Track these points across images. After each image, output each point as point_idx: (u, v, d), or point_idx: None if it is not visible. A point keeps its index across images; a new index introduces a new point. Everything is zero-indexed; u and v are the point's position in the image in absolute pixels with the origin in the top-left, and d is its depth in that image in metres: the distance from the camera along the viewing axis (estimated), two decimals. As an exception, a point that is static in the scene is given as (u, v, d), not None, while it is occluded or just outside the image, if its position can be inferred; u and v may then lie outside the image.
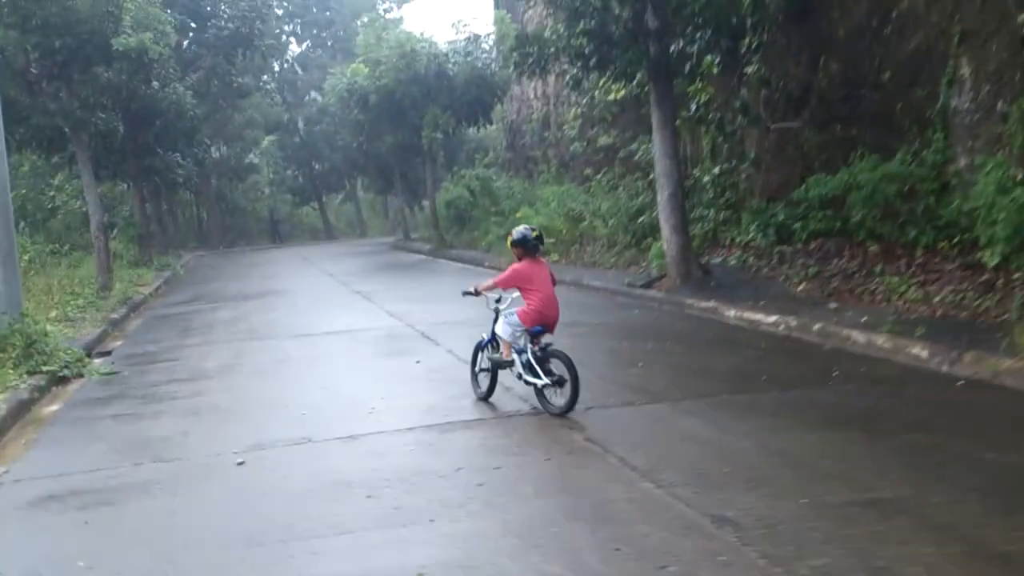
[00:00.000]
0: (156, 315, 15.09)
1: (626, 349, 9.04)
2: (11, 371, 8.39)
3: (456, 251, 27.21)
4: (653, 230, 17.67)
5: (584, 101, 21.53)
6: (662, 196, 13.67)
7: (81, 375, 9.12)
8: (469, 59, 28.26)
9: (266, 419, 6.73)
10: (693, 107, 15.71)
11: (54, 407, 7.85)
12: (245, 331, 12.07)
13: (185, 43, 29.58)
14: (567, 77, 15.39)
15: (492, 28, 27.85)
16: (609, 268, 17.56)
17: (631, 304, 12.97)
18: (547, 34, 13.32)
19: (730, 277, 13.39)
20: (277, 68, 51.01)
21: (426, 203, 47.79)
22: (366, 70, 28.47)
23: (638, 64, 12.66)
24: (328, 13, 54.89)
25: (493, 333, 7.22)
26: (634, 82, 15.18)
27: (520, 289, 6.99)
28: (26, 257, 16.51)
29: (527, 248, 7.03)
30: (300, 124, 50.88)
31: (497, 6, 32.64)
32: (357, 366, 8.98)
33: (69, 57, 15.21)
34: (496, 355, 7.09)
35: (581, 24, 12.41)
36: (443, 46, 29.31)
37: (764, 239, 14.71)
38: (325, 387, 7.90)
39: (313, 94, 52.29)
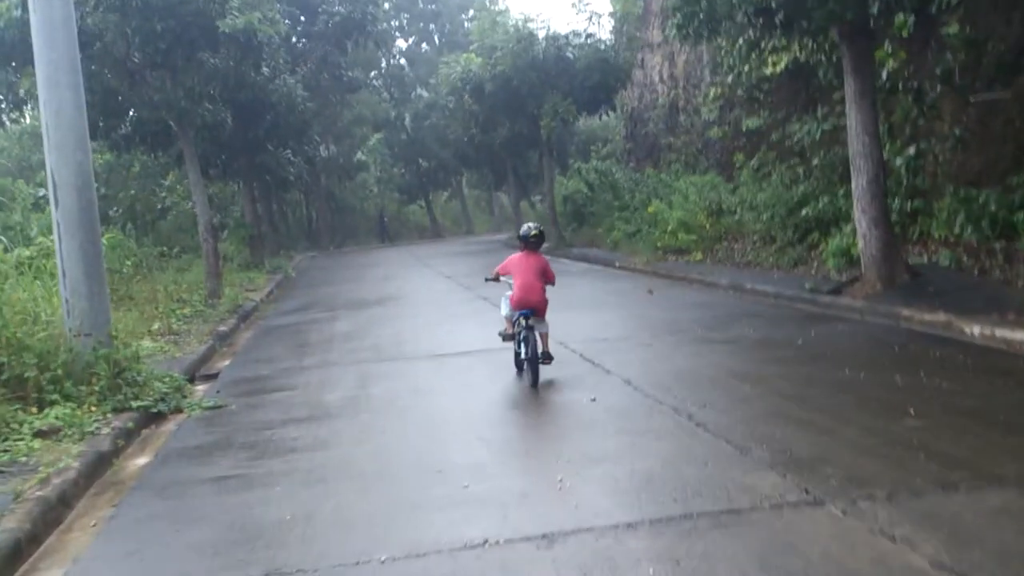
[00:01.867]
0: (268, 326, 13.61)
1: (865, 383, 6.80)
2: (94, 408, 6.81)
3: (578, 249, 25.19)
4: (820, 224, 15.25)
5: (729, 79, 19.11)
6: (859, 181, 11.26)
7: (180, 409, 7.50)
8: (590, 41, 26.15)
9: (416, 495, 4.84)
10: (884, 75, 13.24)
11: (142, 460, 6.18)
12: (369, 348, 10.33)
13: (294, 38, 28.53)
14: (737, 43, 13.05)
15: (613, 7, 25.58)
16: (769, 269, 15.20)
17: (820, 315, 10.64)
18: (717, -10, 11.10)
19: (947, 281, 10.89)
20: (384, 64, 50.10)
21: (536, 198, 46.32)
22: (479, 60, 26.74)
23: (836, 19, 10.31)
24: (434, 6, 53.72)
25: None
26: (812, 46, 12.86)
27: (510, 276, 8.17)
28: (129, 262, 15.32)
29: (526, 243, 8.20)
30: (407, 121, 49.84)
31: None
32: (515, 403, 7.03)
33: (172, 42, 13.86)
34: (502, 330, 8.28)
35: (763, -26, 10.16)
36: (561, 29, 27.38)
37: (975, 233, 12.15)
38: (483, 437, 5.97)
39: (420, 90, 51.26)
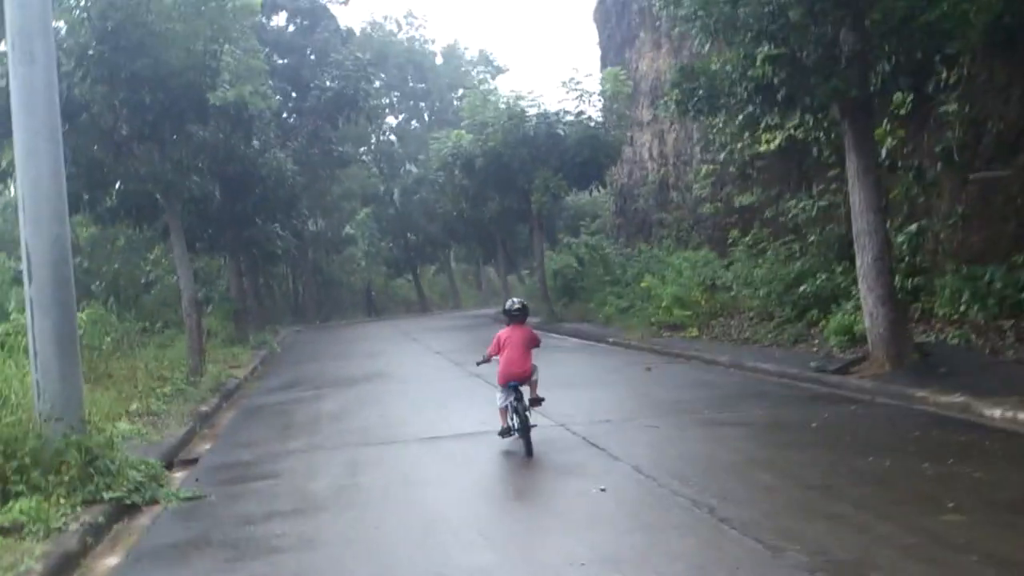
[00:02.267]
0: (252, 405, 13.05)
1: (893, 472, 6.35)
2: (63, 500, 6.25)
3: (569, 324, 24.80)
4: (819, 301, 14.99)
5: (722, 156, 19.11)
6: (864, 259, 11.00)
7: (156, 500, 6.94)
8: (580, 119, 26.28)
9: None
10: (883, 153, 13.14)
11: (112, 560, 5.62)
12: (357, 431, 9.81)
13: (285, 114, 28.57)
14: (735, 119, 12.92)
15: (603, 86, 25.81)
16: (769, 346, 14.85)
17: (829, 395, 10.22)
18: (715, 66, 11.00)
19: (958, 360, 10.55)
20: (374, 139, 50.47)
21: (525, 272, 46.14)
22: (469, 136, 26.82)
23: (839, 96, 10.18)
24: (424, 85, 54.47)
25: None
26: (810, 123, 12.77)
27: (501, 352, 8.27)
28: (108, 338, 14.79)
29: (510, 317, 8.52)
30: (396, 195, 49.98)
31: (604, 64, 30.82)
32: (519, 493, 6.52)
33: (161, 114, 13.63)
34: (501, 428, 8.12)
35: (765, 49, 10.05)
36: (552, 107, 27.51)
37: (982, 312, 11.89)
38: (486, 535, 5.46)
39: (409, 166, 51.54)
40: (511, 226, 36.04)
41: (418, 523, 5.83)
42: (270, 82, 21.34)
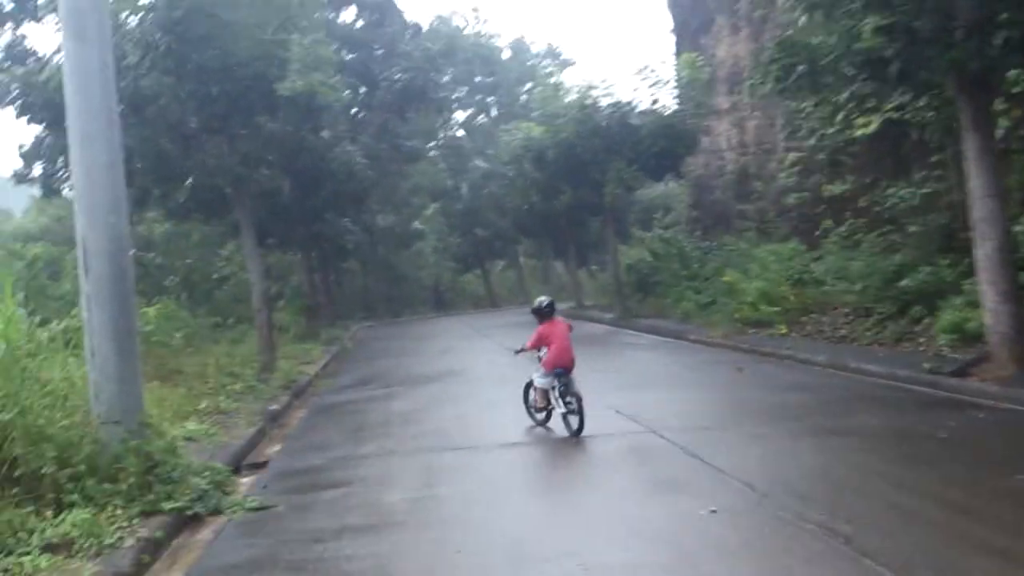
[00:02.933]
0: (323, 404, 12.61)
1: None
2: (119, 511, 5.79)
3: (645, 321, 23.90)
4: (923, 297, 13.86)
5: (812, 140, 17.98)
6: (983, 250, 9.97)
7: (220, 511, 6.44)
8: (655, 108, 25.33)
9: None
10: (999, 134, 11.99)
11: (170, 581, 5.12)
12: (432, 433, 9.21)
13: (354, 109, 28.29)
14: (834, 100, 11.90)
15: (679, 74, 24.78)
16: (868, 345, 13.80)
17: (948, 401, 9.23)
18: (816, 40, 10.06)
19: (1095, 362, 9.45)
20: (442, 135, 50.21)
21: (594, 268, 45.27)
22: (540, 128, 26.09)
23: (958, 69, 9.18)
24: (492, 79, 53.92)
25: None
26: (918, 103, 11.71)
27: (545, 345, 8.97)
28: (179, 334, 14.54)
29: (541, 314, 9.22)
30: (464, 190, 49.56)
31: (679, 52, 29.73)
32: (619, 515, 5.75)
33: (229, 106, 13.29)
34: (530, 403, 9.22)
35: (874, 20, 9.10)
36: (624, 96, 26.63)
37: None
38: (587, 567, 4.73)
39: (477, 161, 51.13)
40: (582, 220, 35.22)
41: (505, 549, 5.16)
42: (339, 75, 21.00)
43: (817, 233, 19.80)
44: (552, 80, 31.29)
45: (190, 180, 14.51)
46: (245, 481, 7.73)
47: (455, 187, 48.83)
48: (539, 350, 9.15)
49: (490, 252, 51.56)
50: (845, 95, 11.04)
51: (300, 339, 21.66)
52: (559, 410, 8.60)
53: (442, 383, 13.85)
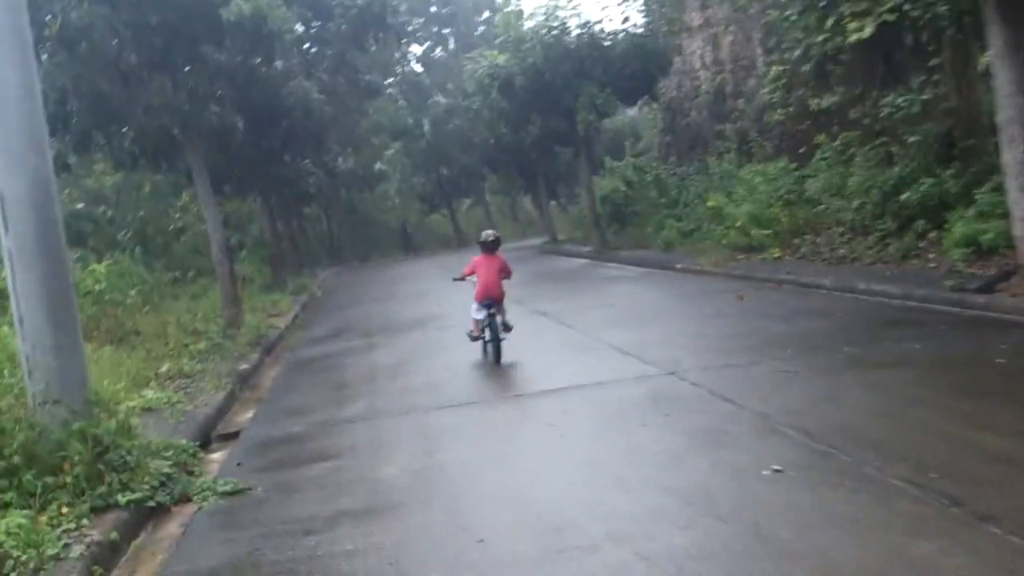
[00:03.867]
0: (297, 359, 11.61)
1: None
2: (66, 509, 4.81)
3: (626, 252, 23.05)
4: (926, 211, 13.10)
5: (796, 52, 16.92)
6: (1011, 154, 9.17)
7: (188, 497, 5.49)
8: (626, 27, 24.05)
9: None
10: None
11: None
12: (424, 389, 8.28)
13: (307, 44, 26.59)
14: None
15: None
16: (871, 264, 13.06)
17: (985, 322, 8.46)
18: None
19: None
20: (399, 70, 48.34)
21: (563, 200, 44.17)
22: (506, 55, 24.71)
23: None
24: (447, 9, 51.89)
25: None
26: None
27: (475, 275, 9.66)
28: (134, 291, 13.40)
29: (485, 246, 9.84)
30: (426, 127, 47.97)
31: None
32: (661, 477, 4.82)
33: (171, 37, 11.92)
34: (470, 331, 9.68)
35: None
36: (593, 15, 25.36)
37: None
38: (646, 557, 3.85)
39: (438, 96, 49.44)
40: (551, 151, 34.09)
41: (536, 533, 4.24)
42: (289, 6, 19.48)
43: (802, 150, 18.94)
44: (513, 6, 29.76)
45: (133, 122, 13.12)
46: (216, 457, 6.76)
47: (416, 125, 47.24)
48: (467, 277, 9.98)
49: (456, 190, 50.29)
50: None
51: (266, 290, 20.53)
52: (486, 338, 9.28)
53: (424, 330, 12.91)
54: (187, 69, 12.59)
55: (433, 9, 51.55)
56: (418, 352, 10.71)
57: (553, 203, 40.03)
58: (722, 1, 18.76)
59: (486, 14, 54.73)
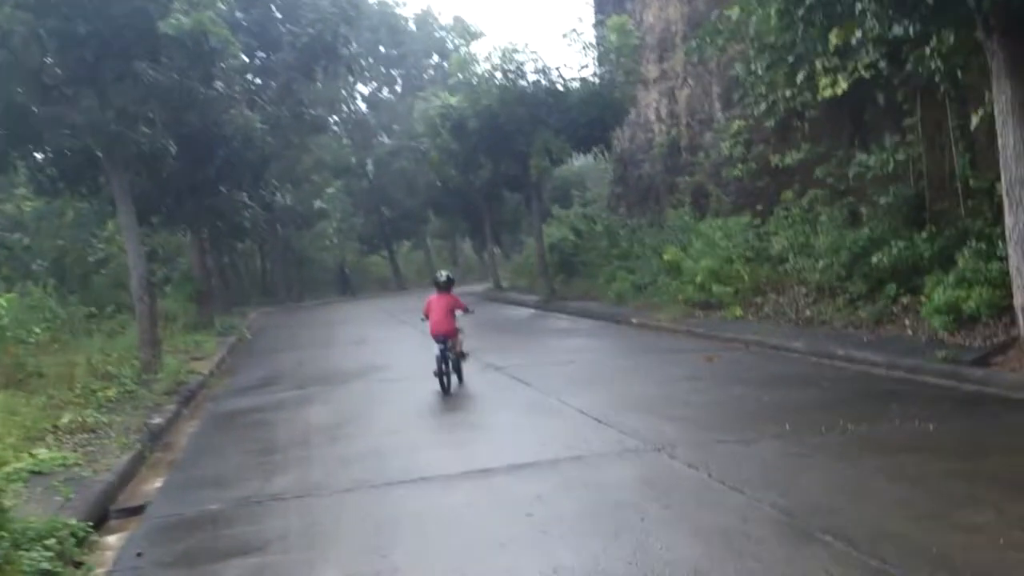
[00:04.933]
0: (220, 412, 10.30)
1: None
2: None
3: (575, 303, 22.22)
4: (897, 274, 12.55)
5: (763, 107, 16.46)
6: (1015, 218, 8.52)
7: (67, 607, 4.26)
8: (583, 75, 23.54)
9: None
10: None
11: None
12: (368, 456, 7.13)
13: (250, 75, 25.43)
14: (856, 33, 10.08)
15: (609, 37, 23.03)
16: (843, 327, 12.40)
17: (985, 397, 7.76)
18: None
19: None
20: (345, 109, 47.33)
21: (499, 249, 43.26)
22: (459, 96, 23.97)
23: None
24: (397, 51, 51.21)
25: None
26: (933, 51, 10.15)
27: (426, 315, 10.46)
28: (39, 329, 11.96)
29: (438, 286, 10.72)
30: (369, 167, 46.97)
31: (601, 18, 27.92)
32: None
33: (101, 49, 10.74)
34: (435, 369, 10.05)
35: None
36: (550, 62, 24.82)
37: None
38: None
39: (382, 136, 48.54)
40: (499, 196, 33.35)
41: None
42: (239, 36, 18.41)
43: (760, 207, 18.48)
44: (464, 51, 29.17)
45: (51, 140, 11.82)
46: (112, 542, 5.50)
47: (360, 164, 46.21)
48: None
49: (397, 232, 49.25)
50: (857, 34, 9.23)
51: (191, 329, 19.06)
52: (444, 371, 9.95)
53: (365, 381, 11.75)
54: (117, 83, 11.36)
55: (382, 49, 50.77)
56: (360, 409, 9.55)
57: (497, 250, 39.20)
58: (690, 52, 18.23)
59: (435, 58, 54.31)
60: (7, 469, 6.64)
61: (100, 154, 12.19)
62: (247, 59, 20.59)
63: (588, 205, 34.81)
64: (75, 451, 7.71)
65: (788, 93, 15.58)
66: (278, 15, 28.15)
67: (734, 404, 8.18)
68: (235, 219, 19.93)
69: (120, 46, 11.06)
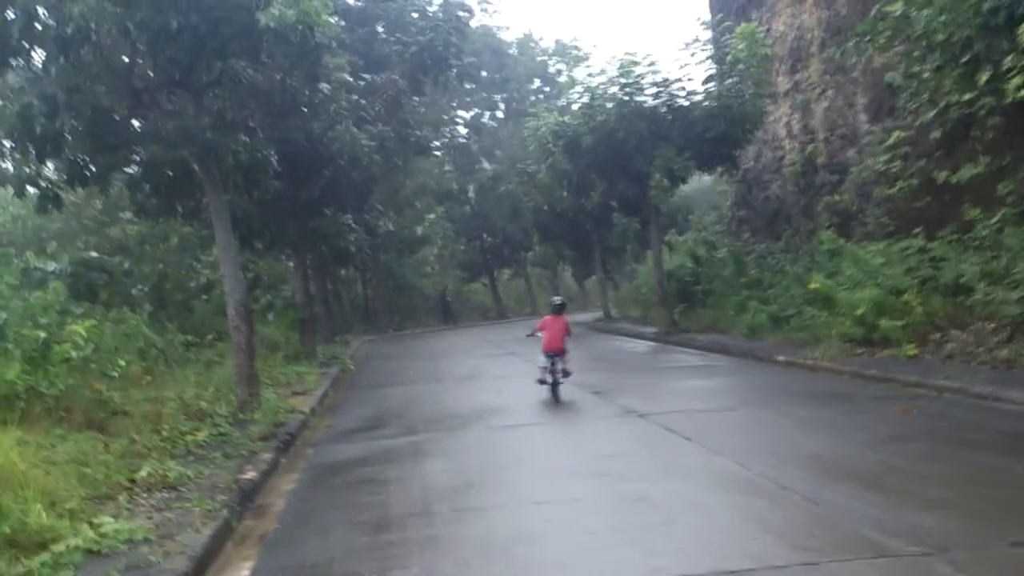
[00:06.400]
0: (322, 465, 8.74)
1: None
2: None
3: (701, 336, 20.17)
4: None
5: (930, 115, 14.22)
6: None
7: None
8: (708, 87, 21.62)
9: None
10: None
11: None
12: (512, 541, 5.41)
13: (355, 96, 24.48)
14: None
15: (737, 47, 21.04)
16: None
17: None
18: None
19: None
20: (448, 132, 46.52)
21: (598, 276, 41.20)
22: (576, 109, 22.40)
23: None
24: (500, 75, 50.25)
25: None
26: None
27: (542, 332, 12.04)
28: (123, 361, 10.76)
29: (553, 309, 12.45)
30: (471, 193, 45.98)
31: (721, 30, 25.93)
32: None
33: (196, 46, 9.53)
34: (540, 376, 11.82)
35: None
36: (670, 74, 23.02)
37: None
38: None
39: (484, 163, 47.54)
40: (609, 221, 31.57)
41: None
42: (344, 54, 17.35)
43: (918, 231, 16.14)
44: (573, 72, 27.53)
45: (142, 151, 10.71)
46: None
47: (462, 190, 45.27)
48: (537, 333, 12.21)
49: (498, 260, 48.07)
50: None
51: (292, 359, 17.86)
52: (548, 381, 11.62)
53: (484, 426, 10.08)
54: (214, 84, 10.14)
55: (484, 73, 49.89)
56: (485, 466, 7.87)
57: (604, 277, 37.31)
58: (845, 54, 16.16)
59: (537, 82, 53.14)
60: (59, 548, 5.22)
61: (196, 167, 11.00)
62: (351, 79, 19.51)
63: (704, 230, 32.64)
64: (149, 518, 6.28)
65: (966, 97, 13.32)
66: (384, 35, 27.32)
67: (985, 478, 6.15)
68: (339, 243, 18.75)
69: (216, 43, 9.80)
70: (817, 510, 5.58)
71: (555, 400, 11.37)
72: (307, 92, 10.93)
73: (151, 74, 10.18)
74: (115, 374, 10.24)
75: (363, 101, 21.18)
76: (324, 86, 11.46)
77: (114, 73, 9.89)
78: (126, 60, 10.00)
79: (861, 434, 8.14)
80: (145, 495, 6.99)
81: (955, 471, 6.43)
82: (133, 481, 7.36)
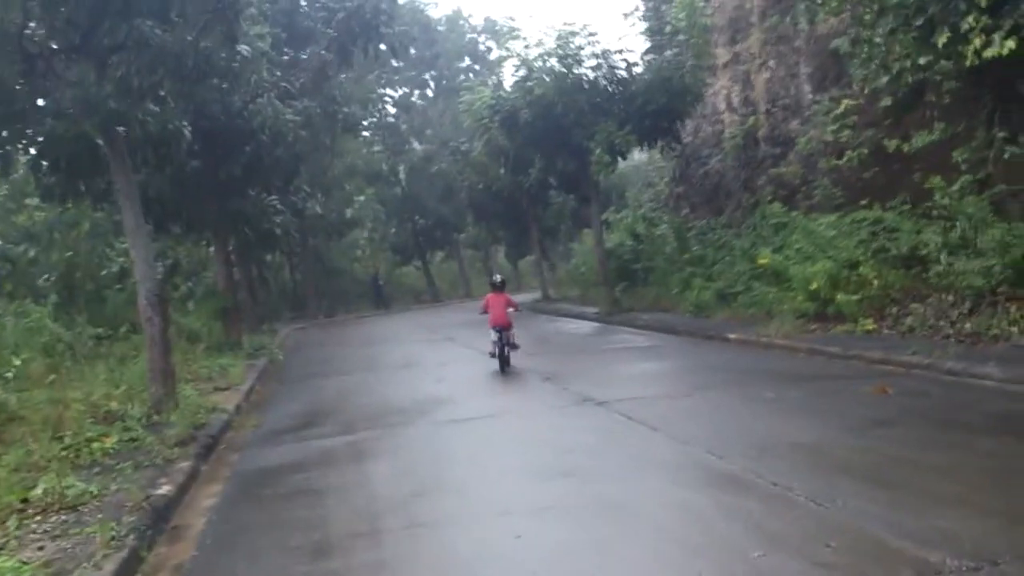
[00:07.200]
0: (248, 473, 7.74)
1: None
2: None
3: (644, 315, 19.62)
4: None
5: (884, 79, 13.76)
6: None
7: None
8: (649, 58, 20.98)
9: None
10: None
11: None
12: (476, 562, 4.62)
13: (278, 72, 23.08)
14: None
15: (676, 15, 20.43)
16: (1030, 344, 9.71)
17: None
18: None
19: None
20: (375, 111, 45.07)
21: (528, 257, 40.58)
22: (516, 78, 21.52)
23: None
24: (429, 52, 49.02)
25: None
26: None
27: (487, 310, 12.91)
28: (18, 360, 9.56)
29: (494, 287, 13.27)
30: (402, 174, 44.67)
31: (654, 6, 25.31)
32: None
33: (96, 6, 8.36)
34: (491, 350, 12.64)
35: None
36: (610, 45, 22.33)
37: None
38: None
39: (414, 143, 46.32)
40: (546, 200, 30.89)
41: None
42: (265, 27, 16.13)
43: (865, 201, 15.81)
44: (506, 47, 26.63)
45: (38, 123, 9.47)
46: None
47: (392, 171, 43.94)
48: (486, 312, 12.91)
49: (430, 242, 46.92)
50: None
51: (215, 351, 16.65)
52: (495, 354, 12.51)
53: (429, 421, 9.20)
54: (118, 48, 8.96)
55: (413, 51, 48.47)
56: (437, 469, 7.01)
57: (545, 261, 36.66)
58: (794, 21, 15.63)
59: (467, 60, 52.06)
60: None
61: (100, 141, 9.80)
62: (274, 52, 18.25)
63: (641, 208, 32.18)
64: (40, 549, 5.27)
65: (922, 61, 12.88)
66: (306, 7, 25.95)
67: (996, 467, 5.56)
68: (264, 226, 17.55)
69: (120, 1, 8.65)
70: (823, 512, 4.89)
71: (502, 370, 12.28)
72: (223, 55, 9.81)
73: (47, 37, 8.92)
74: (10, 374, 9.02)
75: (287, 76, 19.95)
76: (244, 48, 10.29)
77: (3, 36, 8.62)
78: (17, 22, 8.73)
79: (839, 418, 7.54)
80: (39, 518, 5.95)
81: (960, 460, 5.83)
82: (26, 502, 6.30)
